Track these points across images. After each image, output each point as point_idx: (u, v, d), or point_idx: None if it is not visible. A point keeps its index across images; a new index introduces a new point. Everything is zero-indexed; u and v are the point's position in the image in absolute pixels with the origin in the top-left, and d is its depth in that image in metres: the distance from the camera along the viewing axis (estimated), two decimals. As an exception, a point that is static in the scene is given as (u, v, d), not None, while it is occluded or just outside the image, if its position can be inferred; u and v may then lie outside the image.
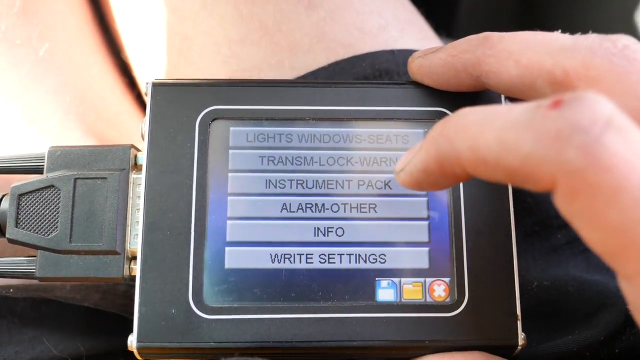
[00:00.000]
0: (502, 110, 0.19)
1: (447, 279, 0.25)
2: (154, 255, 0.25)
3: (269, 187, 0.26)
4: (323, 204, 0.26)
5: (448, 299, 0.25)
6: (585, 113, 0.17)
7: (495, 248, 0.25)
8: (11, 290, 0.30)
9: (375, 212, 0.26)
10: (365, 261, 0.25)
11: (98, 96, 0.37)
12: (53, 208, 0.26)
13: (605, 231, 0.17)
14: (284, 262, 0.25)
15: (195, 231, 0.25)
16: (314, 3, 0.32)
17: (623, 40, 0.21)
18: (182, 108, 0.26)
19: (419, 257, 0.26)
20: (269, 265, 0.25)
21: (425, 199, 0.26)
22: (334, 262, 0.25)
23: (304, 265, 0.25)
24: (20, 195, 0.26)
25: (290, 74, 0.32)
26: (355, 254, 0.25)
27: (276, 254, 0.25)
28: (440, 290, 0.25)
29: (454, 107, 0.26)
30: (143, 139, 0.26)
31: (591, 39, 0.22)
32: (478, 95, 0.27)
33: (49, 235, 0.26)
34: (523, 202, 0.31)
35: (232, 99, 0.27)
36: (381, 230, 0.26)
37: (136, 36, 0.37)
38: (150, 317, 0.24)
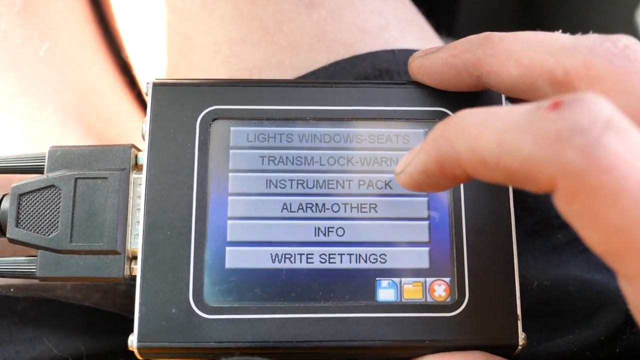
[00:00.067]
0: (502, 112, 0.19)
1: (447, 279, 0.25)
2: (155, 255, 0.25)
3: (270, 187, 0.26)
4: (324, 204, 0.26)
5: (448, 299, 0.25)
6: (585, 114, 0.17)
7: (495, 248, 0.25)
8: (12, 289, 0.30)
9: (375, 212, 0.26)
10: (365, 261, 0.25)
11: (98, 96, 0.37)
12: (53, 208, 0.26)
13: (606, 232, 0.17)
14: (285, 262, 0.25)
15: (195, 231, 0.25)
16: (314, 3, 0.32)
17: (624, 40, 0.21)
18: (183, 108, 0.26)
19: (420, 257, 0.26)
20: (269, 265, 0.25)
21: (425, 199, 0.26)
22: (335, 262, 0.25)
23: (304, 265, 0.25)
24: (21, 195, 0.26)
25: (290, 74, 0.32)
26: (356, 254, 0.26)
27: (277, 254, 0.25)
28: (440, 290, 0.25)
29: (454, 107, 0.26)
30: (144, 139, 0.26)
31: (592, 39, 0.22)
32: (479, 95, 0.27)
33: (49, 235, 0.26)
34: (523, 202, 0.31)
35: (233, 98, 0.27)
36: (382, 230, 0.26)
37: (136, 36, 0.37)
38: (151, 317, 0.24)
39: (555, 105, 0.18)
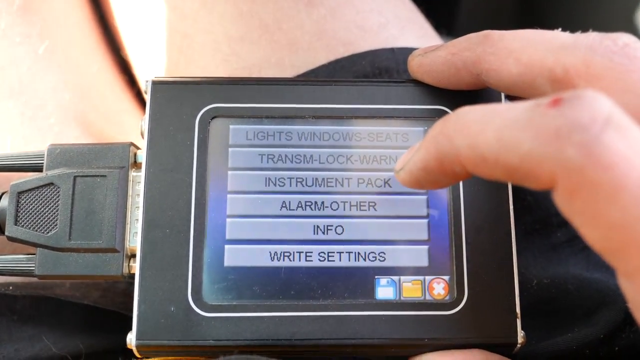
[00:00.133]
0: (502, 109, 0.19)
1: (446, 277, 0.25)
2: (154, 253, 0.25)
3: (269, 185, 0.26)
4: (323, 202, 0.26)
5: (447, 297, 0.25)
6: (585, 111, 0.17)
7: (495, 246, 0.25)
8: (11, 287, 0.30)
9: (374, 210, 0.26)
10: (364, 259, 0.25)
11: (98, 94, 0.37)
12: (52, 206, 0.26)
13: (605, 229, 0.17)
14: (284, 260, 0.25)
15: (194, 229, 0.25)
16: (314, 1, 0.32)
17: (623, 38, 0.21)
18: (182, 106, 0.26)
19: (419, 255, 0.26)
20: (268, 263, 0.25)
21: (425, 197, 0.26)
22: (334, 260, 0.25)
23: (303, 263, 0.25)
24: (20, 193, 0.26)
25: (290, 72, 0.32)
26: (355, 252, 0.25)
27: (275, 252, 0.25)
28: (439, 288, 0.25)
29: (454, 106, 0.26)
30: (143, 137, 0.26)
31: (591, 37, 0.22)
32: (478, 93, 0.27)
33: (48, 233, 0.26)
34: (523, 200, 0.31)
35: (232, 97, 0.27)
36: (381, 228, 0.26)
37: (136, 34, 0.37)
38: (150, 315, 0.24)
39: (555, 102, 0.18)
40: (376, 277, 0.25)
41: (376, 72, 0.31)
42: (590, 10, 0.62)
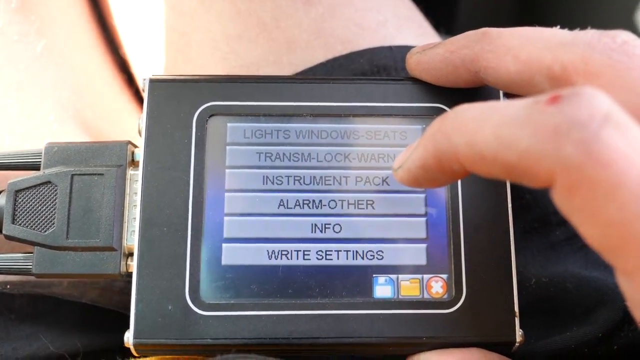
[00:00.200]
0: (500, 106, 0.19)
1: (444, 276, 0.25)
2: (151, 252, 0.25)
3: (267, 184, 0.26)
4: (320, 201, 0.26)
5: (445, 296, 0.25)
6: (584, 108, 0.17)
7: (493, 244, 0.25)
8: (8, 286, 0.30)
9: (372, 208, 0.26)
10: (362, 257, 0.25)
11: (96, 92, 0.37)
12: (50, 204, 0.26)
13: (604, 227, 0.17)
14: (281, 259, 0.25)
15: (192, 227, 0.25)
16: (312, -1, 0.32)
17: (622, 35, 0.21)
18: (180, 104, 0.26)
19: (417, 254, 0.25)
20: (266, 261, 0.25)
21: (423, 195, 0.26)
22: (331, 259, 0.25)
23: (301, 262, 0.25)
24: (17, 191, 0.26)
25: (288, 70, 0.31)
26: (353, 251, 0.25)
27: (273, 251, 0.25)
28: (437, 286, 0.25)
29: (452, 103, 0.26)
30: (140, 135, 0.26)
31: (590, 35, 0.22)
32: (476, 91, 0.27)
33: (45, 231, 0.25)
34: (521, 199, 0.31)
35: (230, 95, 0.26)
36: (379, 227, 0.26)
37: (134, 32, 0.37)
38: (147, 314, 0.24)
39: (553, 99, 0.18)
40: (374, 275, 0.25)
41: (374, 70, 0.31)
42: (590, 10, 0.62)
